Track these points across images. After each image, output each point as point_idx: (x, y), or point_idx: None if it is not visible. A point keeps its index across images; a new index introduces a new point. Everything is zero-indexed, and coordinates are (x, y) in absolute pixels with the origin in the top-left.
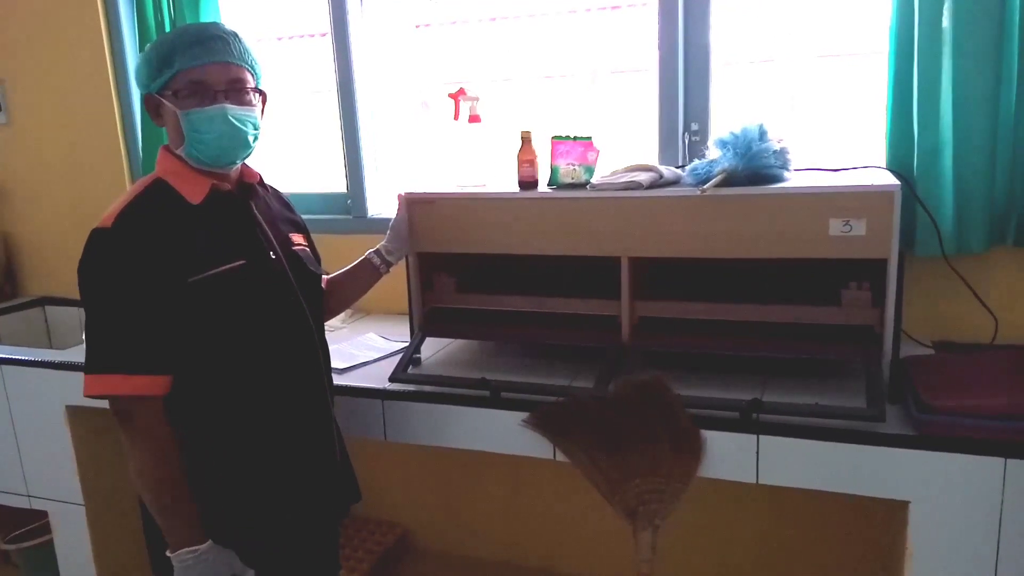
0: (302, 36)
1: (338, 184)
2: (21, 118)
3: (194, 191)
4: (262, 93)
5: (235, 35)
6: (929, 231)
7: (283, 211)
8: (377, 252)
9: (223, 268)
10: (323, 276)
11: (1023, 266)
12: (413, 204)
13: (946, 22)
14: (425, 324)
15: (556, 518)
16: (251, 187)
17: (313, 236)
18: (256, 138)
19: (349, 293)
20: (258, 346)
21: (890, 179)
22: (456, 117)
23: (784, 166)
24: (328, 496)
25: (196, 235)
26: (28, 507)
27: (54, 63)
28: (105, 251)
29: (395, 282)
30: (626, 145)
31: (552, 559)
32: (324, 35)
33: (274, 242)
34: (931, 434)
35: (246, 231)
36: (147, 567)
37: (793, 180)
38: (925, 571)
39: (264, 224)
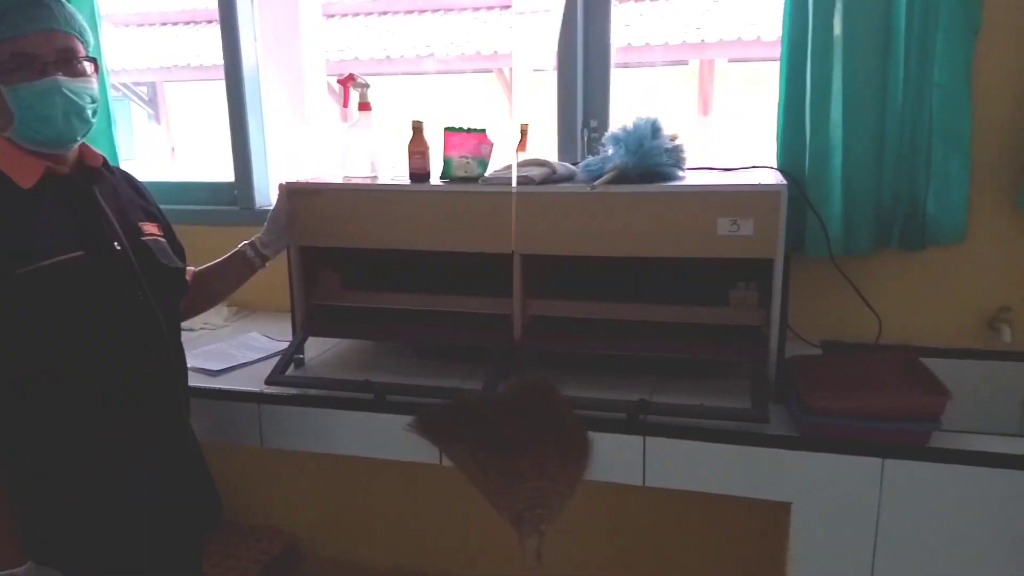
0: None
1: (227, 174)
2: None
3: (25, 174)
4: (93, 62)
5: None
6: (818, 232)
7: (134, 198)
8: (251, 244)
9: (57, 259)
10: (187, 269)
11: (906, 268)
12: (296, 195)
13: (837, 29)
14: (308, 323)
15: (450, 523)
16: (94, 171)
17: (198, 228)
18: (95, 112)
19: (218, 287)
20: (96, 346)
21: (779, 179)
22: (346, 104)
23: (677, 164)
24: (181, 512)
25: (27, 222)
26: None
27: None
28: None
29: (281, 278)
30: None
31: (446, 565)
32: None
33: (119, 231)
34: (812, 435)
35: (86, 219)
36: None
37: (686, 179)
38: (805, 572)
39: (108, 211)
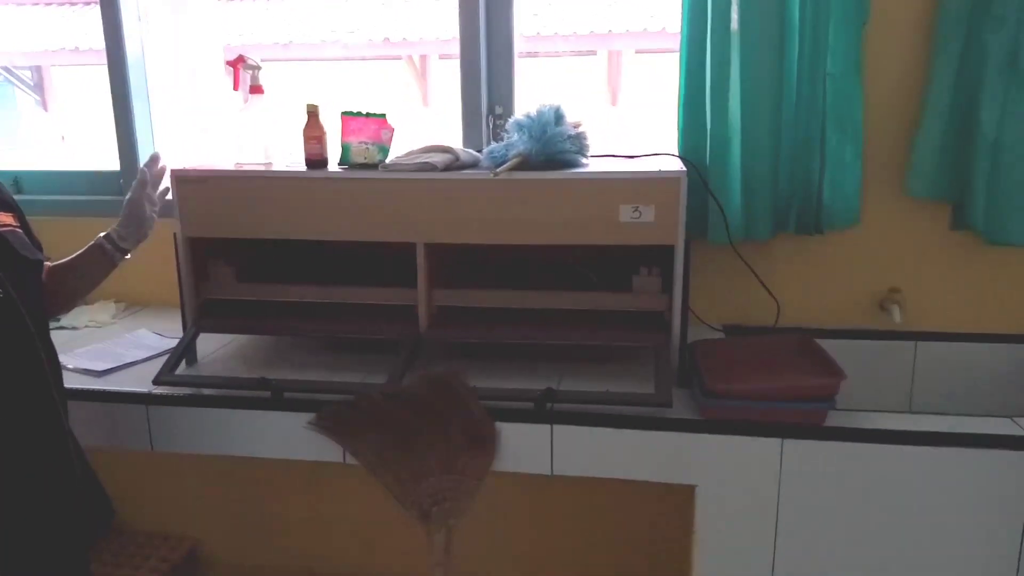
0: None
1: (111, 162)
2: None
3: None
4: None
5: None
6: (719, 218)
7: None
8: (107, 237)
9: None
10: (44, 263)
11: (803, 252)
12: (183, 183)
13: (735, 23)
14: (199, 318)
15: (358, 523)
16: None
17: (80, 219)
18: None
19: (77, 284)
20: None
21: (679, 166)
22: (236, 87)
23: (580, 151)
24: (63, 520)
25: None
26: None
27: None
28: None
29: (171, 271)
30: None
31: (355, 566)
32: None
33: None
34: (713, 418)
35: None
36: None
37: (589, 166)
38: (710, 552)
39: None
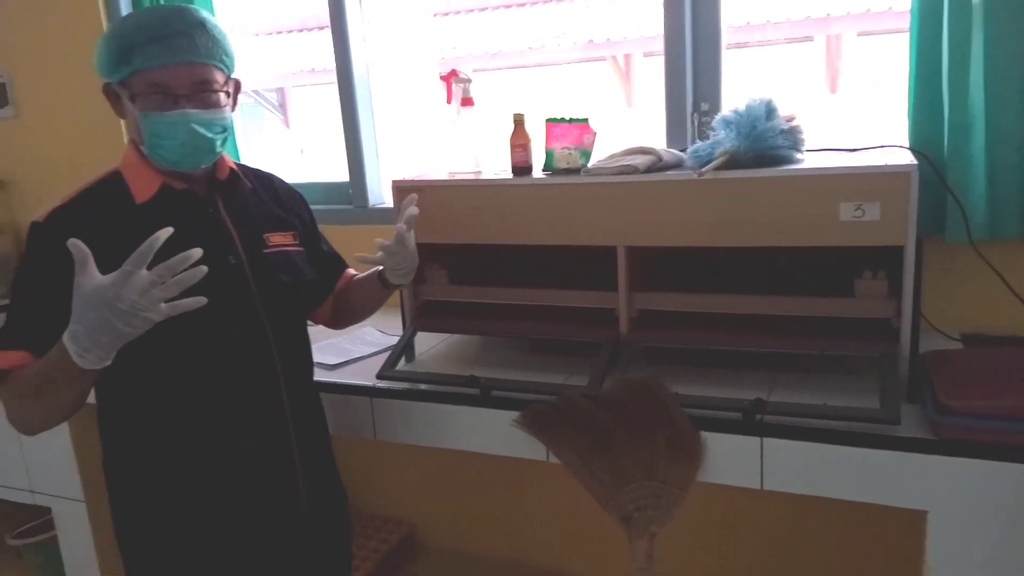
0: (308, 29)
1: (342, 174)
2: (27, 112)
3: (143, 189)
4: (235, 84)
5: (202, 25)
6: (958, 216)
7: (270, 207)
8: (381, 275)
9: None
10: (347, 272)
11: None
12: (402, 192)
13: None
14: (417, 318)
15: (562, 518)
16: (220, 182)
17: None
18: (224, 141)
19: (357, 302)
20: (198, 359)
21: (909, 159)
22: (448, 100)
23: (794, 147)
24: (288, 515)
25: (135, 236)
26: (32, 503)
27: (58, 56)
28: (32, 246)
29: None
30: (658, 131)
31: (560, 559)
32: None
33: (238, 245)
34: (949, 438)
35: (200, 233)
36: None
37: (804, 162)
38: None
39: (229, 224)
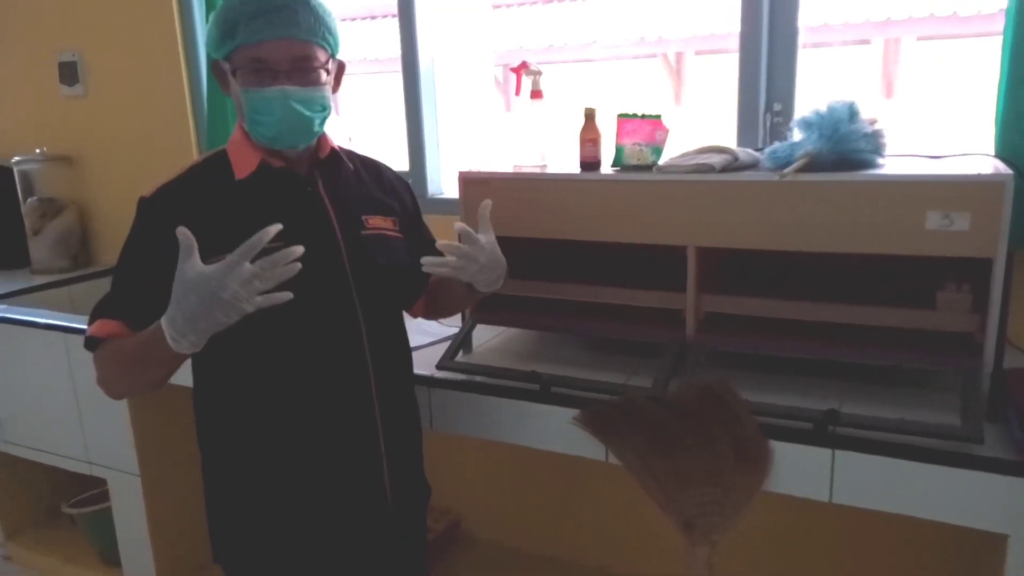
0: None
1: (403, 164)
2: (97, 90)
3: (243, 166)
4: (338, 65)
5: (305, 2)
6: None
7: (371, 190)
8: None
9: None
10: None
11: None
12: (469, 184)
13: None
14: (477, 311)
15: (612, 518)
16: (321, 162)
17: None
18: (324, 120)
19: (449, 304)
20: (286, 338)
21: (1000, 168)
22: (518, 92)
23: (876, 151)
24: (371, 503)
25: (234, 214)
26: (88, 474)
27: (127, 35)
28: (139, 220)
29: None
30: (707, 129)
31: (604, 561)
32: (386, 16)
33: (335, 226)
34: None
35: (297, 212)
36: (201, 542)
37: (886, 167)
38: None
39: (327, 204)
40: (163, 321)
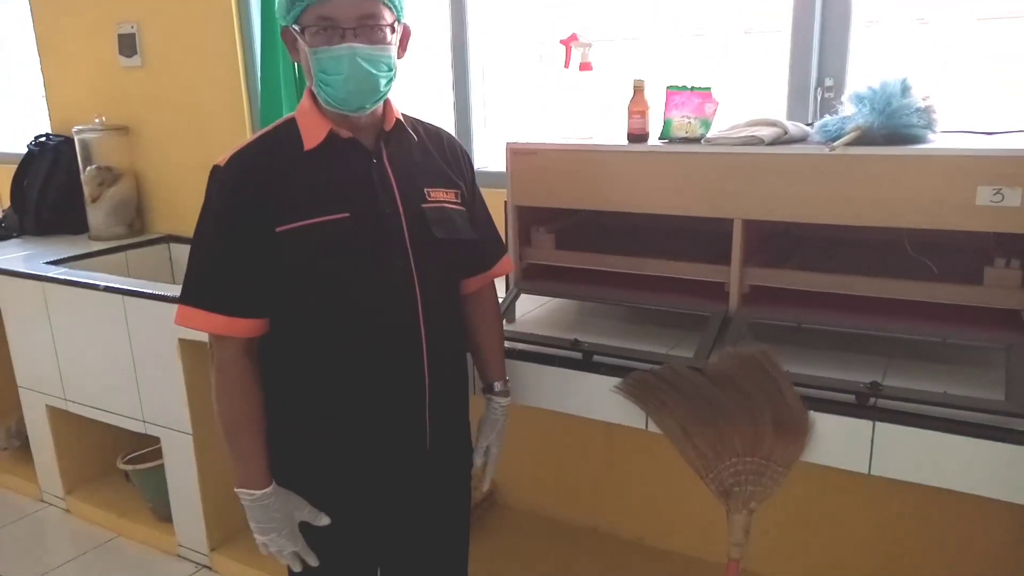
0: None
1: None
2: (153, 60)
3: (312, 135)
4: (404, 27)
5: None
6: None
7: (435, 162)
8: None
9: (318, 220)
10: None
11: None
12: (516, 155)
13: None
14: (521, 280)
15: (649, 489)
16: (387, 132)
17: None
18: (390, 80)
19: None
20: (348, 305)
21: None
22: (567, 65)
23: (928, 126)
24: (416, 458)
25: (301, 183)
26: (143, 432)
27: (184, 7)
28: (213, 188)
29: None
30: (754, 105)
31: (642, 531)
32: None
33: (397, 197)
34: None
35: (361, 181)
36: None
37: (937, 143)
38: None
39: (390, 174)
40: (241, 493)
